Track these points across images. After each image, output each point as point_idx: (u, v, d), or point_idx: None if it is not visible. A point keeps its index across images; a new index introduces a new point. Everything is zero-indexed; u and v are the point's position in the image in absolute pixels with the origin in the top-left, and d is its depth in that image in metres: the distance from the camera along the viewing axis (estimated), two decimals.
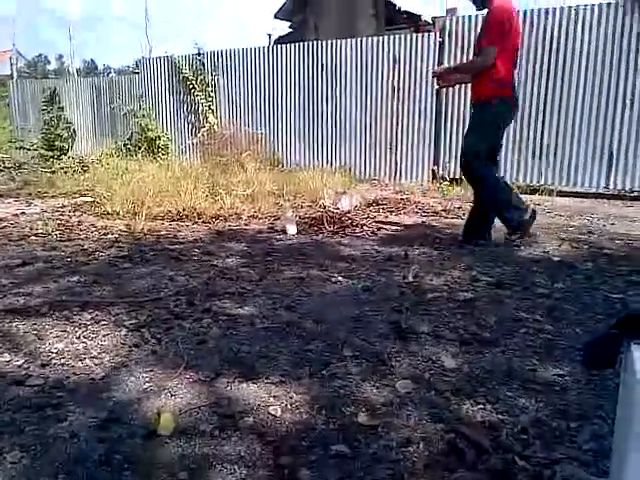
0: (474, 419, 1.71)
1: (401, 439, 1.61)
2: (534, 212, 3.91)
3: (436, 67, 4.55)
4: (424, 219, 4.96)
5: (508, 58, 3.74)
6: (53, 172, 8.07)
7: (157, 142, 8.87)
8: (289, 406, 1.81)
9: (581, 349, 1.26)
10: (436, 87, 4.14)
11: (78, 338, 2.39)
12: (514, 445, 1.57)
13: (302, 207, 5.47)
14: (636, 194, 5.75)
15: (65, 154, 9.23)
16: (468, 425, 1.67)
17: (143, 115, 9.05)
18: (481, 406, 1.78)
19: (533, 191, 5.98)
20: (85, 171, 8.06)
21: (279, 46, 8.20)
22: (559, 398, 1.81)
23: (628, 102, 5.72)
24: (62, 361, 2.17)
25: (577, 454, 1.52)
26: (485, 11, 3.86)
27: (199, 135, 8.48)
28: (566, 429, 1.64)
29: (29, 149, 9.55)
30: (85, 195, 6.44)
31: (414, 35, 7.20)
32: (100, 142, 9.90)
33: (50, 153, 9.10)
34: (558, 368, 2.02)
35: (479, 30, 3.96)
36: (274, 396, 1.88)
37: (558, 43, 5.99)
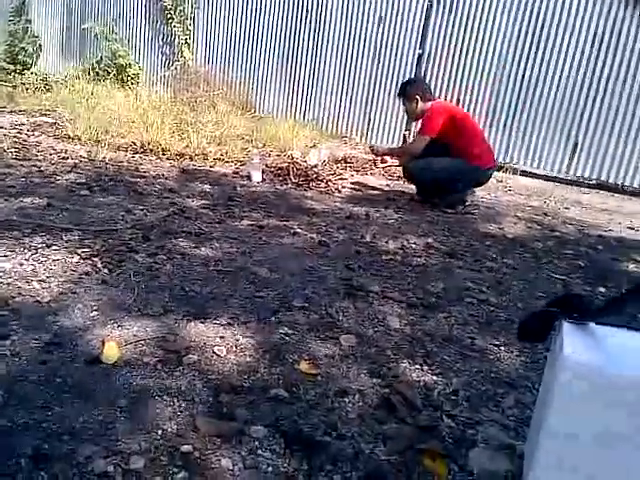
0: (410, 377, 1.79)
1: (338, 389, 1.68)
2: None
3: (376, 146, 4.93)
4: (389, 182, 5.00)
5: (470, 137, 4.18)
6: (14, 87, 7.70)
7: (127, 70, 8.51)
8: (234, 348, 1.85)
9: (519, 322, 1.33)
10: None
11: (27, 260, 2.35)
12: (444, 404, 1.65)
13: (270, 155, 5.42)
14: (594, 182, 5.92)
15: (28, 69, 8.79)
16: (403, 383, 1.75)
17: (115, 39, 8.65)
18: (418, 366, 1.86)
19: (498, 168, 6.07)
20: (48, 90, 7.70)
21: None
22: (492, 366, 1.91)
23: (601, 93, 5.82)
24: (8, 281, 2.14)
25: (500, 418, 1.61)
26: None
27: (172, 69, 8.19)
28: (493, 394, 1.73)
29: None
30: (46, 115, 6.19)
31: None
32: (67, 62, 9.43)
33: (12, 67, 8.65)
34: (495, 338, 2.12)
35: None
36: (221, 337, 1.91)
37: (543, 23, 5.98)
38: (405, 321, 2.19)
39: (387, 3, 6.87)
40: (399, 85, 4.67)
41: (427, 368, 1.85)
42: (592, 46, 5.81)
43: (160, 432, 1.41)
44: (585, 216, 4.47)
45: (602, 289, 2.78)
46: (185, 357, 1.75)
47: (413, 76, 6.46)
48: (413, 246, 3.18)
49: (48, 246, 2.52)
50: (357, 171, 5.29)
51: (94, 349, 1.74)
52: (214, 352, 1.80)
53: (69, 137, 5.10)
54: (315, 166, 5.05)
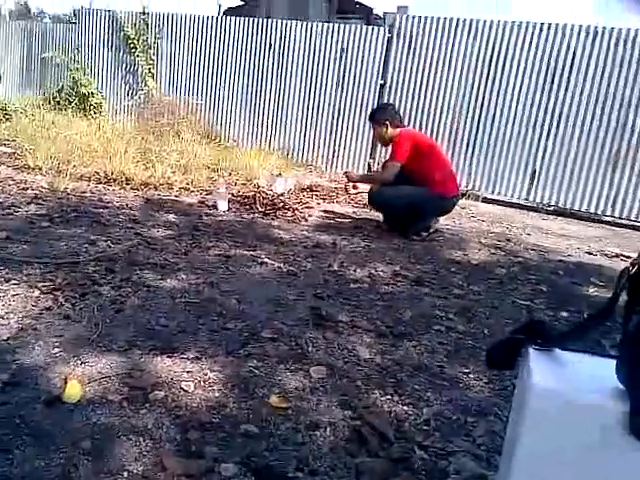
0: (381, 408, 1.78)
1: (309, 423, 1.66)
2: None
3: (350, 172, 5.20)
4: (356, 210, 5.04)
5: (433, 165, 4.25)
6: None
7: (90, 99, 8.42)
8: (202, 383, 1.81)
9: (486, 349, 1.35)
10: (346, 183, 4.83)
11: None
12: (415, 435, 1.65)
13: (236, 184, 5.41)
14: (552, 209, 6.09)
15: None
16: (374, 414, 1.74)
17: (77, 68, 8.58)
18: (389, 397, 1.85)
19: (461, 195, 6.19)
20: (8, 119, 7.56)
21: (228, 18, 7.99)
22: (461, 394, 1.92)
23: (555, 121, 6.04)
24: None
25: (471, 447, 1.62)
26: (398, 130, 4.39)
27: (136, 98, 8.15)
28: (464, 423, 1.74)
29: None
30: (5, 145, 6.06)
31: (364, 27, 7.22)
32: (27, 91, 9.30)
33: None
34: (464, 366, 2.13)
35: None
36: (188, 372, 1.87)
37: (498, 54, 6.21)
38: (375, 351, 2.19)
39: (349, 35, 7.03)
40: (365, 113, 4.76)
41: (398, 398, 1.85)
42: (545, 78, 6.04)
43: (126, 474, 1.36)
44: (546, 241, 4.58)
45: (565, 313, 2.84)
46: (151, 394, 1.71)
47: (384, 102, 6.56)
48: (381, 274, 3.19)
49: (7, 281, 2.44)
50: (323, 199, 5.33)
51: (56, 388, 1.68)
52: (182, 388, 1.76)
53: (29, 167, 5.00)
54: (281, 195, 5.06)
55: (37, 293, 2.36)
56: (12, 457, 1.37)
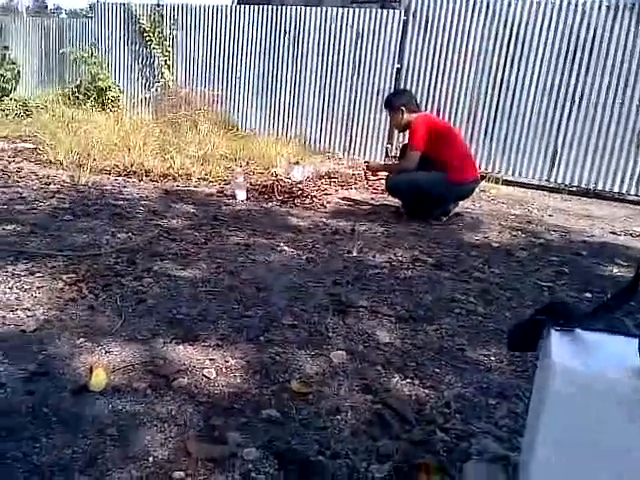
0: (402, 392, 1.79)
1: (331, 407, 1.67)
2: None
3: (371, 162, 5.21)
4: (374, 196, 5.02)
5: (451, 150, 4.20)
6: None
7: (108, 93, 8.50)
8: (224, 369, 1.83)
9: (507, 332, 1.34)
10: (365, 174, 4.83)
11: (10, 288, 2.32)
12: (436, 418, 1.65)
13: (254, 174, 5.43)
14: (574, 189, 5.99)
15: (7, 95, 8.75)
16: (395, 397, 1.74)
17: (94, 63, 8.65)
18: (409, 380, 1.86)
19: (481, 177, 6.12)
20: (28, 115, 7.68)
21: (242, 7, 7.96)
22: (482, 376, 1.91)
23: (577, 100, 5.92)
24: None
25: (493, 429, 1.61)
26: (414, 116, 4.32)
27: (153, 90, 8.20)
28: (485, 405, 1.73)
29: None
30: (27, 141, 6.15)
31: (379, 11, 7.14)
32: (46, 87, 9.41)
33: None
34: (485, 349, 2.12)
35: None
36: (210, 359, 1.89)
37: (517, 34, 6.09)
38: (395, 335, 2.19)
39: (364, 20, 6.96)
40: (381, 98, 4.71)
41: (418, 382, 1.85)
42: (565, 57, 5.91)
43: (151, 459, 1.38)
44: (568, 222, 4.51)
45: (588, 294, 2.80)
46: (175, 381, 1.74)
47: (400, 88, 6.51)
48: (400, 259, 3.18)
49: (32, 273, 2.49)
50: (341, 186, 5.31)
51: (81, 377, 1.71)
52: (204, 375, 1.79)
53: (50, 162, 5.08)
54: (299, 182, 5.06)
55: (61, 285, 2.40)
56: (40, 445, 1.41)
